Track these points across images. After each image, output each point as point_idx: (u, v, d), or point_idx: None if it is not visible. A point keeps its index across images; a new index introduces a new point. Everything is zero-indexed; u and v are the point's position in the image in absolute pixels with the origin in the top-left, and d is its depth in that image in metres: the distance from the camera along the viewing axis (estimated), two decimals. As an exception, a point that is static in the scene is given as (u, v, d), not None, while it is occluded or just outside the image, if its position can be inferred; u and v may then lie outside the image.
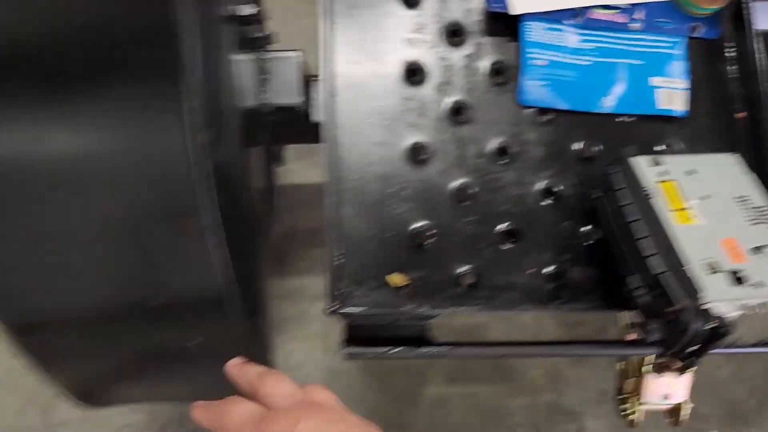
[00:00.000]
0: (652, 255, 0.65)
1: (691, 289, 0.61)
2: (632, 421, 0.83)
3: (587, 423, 1.14)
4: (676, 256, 0.63)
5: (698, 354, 0.63)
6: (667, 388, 0.80)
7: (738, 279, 0.62)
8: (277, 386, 0.53)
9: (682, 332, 0.60)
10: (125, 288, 0.51)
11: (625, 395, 0.83)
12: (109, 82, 0.42)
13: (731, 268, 0.62)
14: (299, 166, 1.23)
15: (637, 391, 0.81)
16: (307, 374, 1.12)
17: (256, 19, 0.71)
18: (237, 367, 0.58)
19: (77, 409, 0.69)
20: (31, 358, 0.53)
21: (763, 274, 0.62)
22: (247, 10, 0.69)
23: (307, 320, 1.17)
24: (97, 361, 0.59)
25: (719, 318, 0.59)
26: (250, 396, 0.53)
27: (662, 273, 0.63)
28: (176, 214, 0.48)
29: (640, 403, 0.80)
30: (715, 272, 0.62)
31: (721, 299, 0.60)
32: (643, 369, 0.79)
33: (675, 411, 0.82)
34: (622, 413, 0.83)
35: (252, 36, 0.76)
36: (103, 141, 0.44)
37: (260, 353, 0.77)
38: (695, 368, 0.71)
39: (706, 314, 0.59)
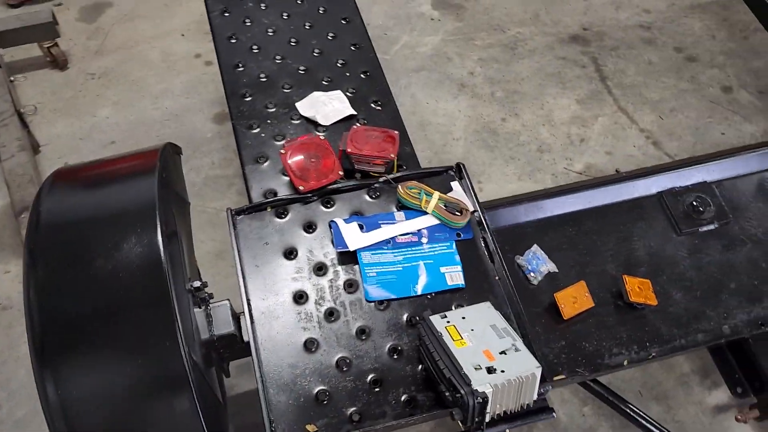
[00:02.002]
0: (445, 368, 1.13)
1: (466, 381, 1.09)
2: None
3: None
4: (457, 365, 1.12)
5: (483, 423, 1.09)
6: None
7: (491, 371, 1.11)
8: None
9: (466, 408, 1.07)
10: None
11: None
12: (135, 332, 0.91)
13: (487, 365, 1.12)
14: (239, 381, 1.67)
15: None
16: None
17: (202, 287, 1.23)
18: None
19: None
20: None
21: (505, 366, 1.12)
22: (196, 283, 1.21)
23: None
24: None
25: (482, 393, 1.07)
26: None
27: (451, 376, 1.11)
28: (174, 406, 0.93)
29: None
30: (478, 370, 1.11)
31: (481, 383, 1.08)
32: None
33: None
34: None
35: (201, 297, 1.27)
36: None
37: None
38: None
39: (474, 392, 1.07)
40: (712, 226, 1.51)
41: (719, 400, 1.65)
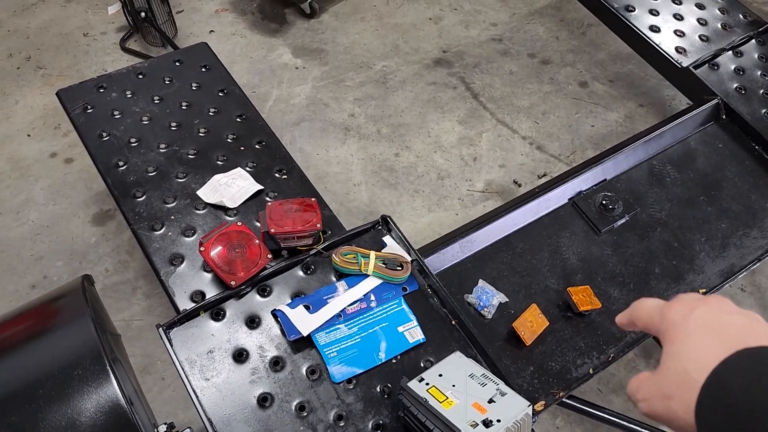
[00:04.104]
0: (441, 435, 1.10)
1: (467, 443, 1.06)
2: None
3: None
4: (452, 427, 1.09)
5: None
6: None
7: (487, 424, 1.09)
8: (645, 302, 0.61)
9: (476, 468, 1.05)
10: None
11: None
12: None
13: (481, 419, 1.10)
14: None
15: None
16: None
17: (169, 428, 1.11)
18: (618, 318, 0.66)
19: None
20: None
21: (499, 413, 1.11)
22: (162, 427, 1.08)
23: None
24: None
25: (487, 452, 1.05)
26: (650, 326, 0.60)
27: (450, 442, 1.08)
28: None
29: None
30: (475, 426, 1.09)
31: (483, 440, 1.06)
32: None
33: None
34: None
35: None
36: None
37: None
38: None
39: (479, 453, 1.05)
40: (623, 220, 1.61)
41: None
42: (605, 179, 1.68)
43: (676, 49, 1.96)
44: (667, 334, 0.56)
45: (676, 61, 1.91)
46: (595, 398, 1.56)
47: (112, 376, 0.90)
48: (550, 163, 2.24)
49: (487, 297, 1.42)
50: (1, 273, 1.98)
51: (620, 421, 1.53)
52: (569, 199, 1.64)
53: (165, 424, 1.07)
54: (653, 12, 2.07)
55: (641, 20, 2.04)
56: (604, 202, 1.62)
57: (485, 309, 1.42)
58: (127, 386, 0.94)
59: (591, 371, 1.37)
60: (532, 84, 2.54)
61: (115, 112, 1.75)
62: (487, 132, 2.36)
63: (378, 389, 1.28)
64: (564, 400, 1.46)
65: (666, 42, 1.97)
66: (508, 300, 1.44)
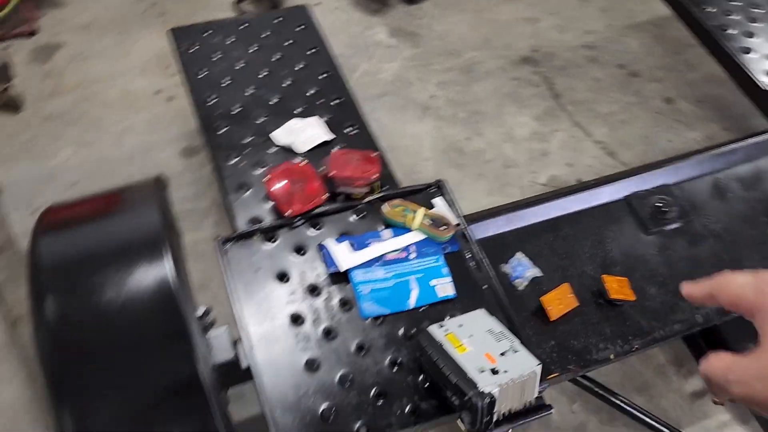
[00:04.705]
0: (450, 374, 1.17)
1: (472, 384, 1.13)
2: None
3: None
4: (461, 370, 1.16)
5: (491, 423, 1.13)
6: None
7: (495, 372, 1.15)
8: (734, 277, 0.58)
9: (475, 410, 1.11)
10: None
11: None
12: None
13: (490, 367, 1.16)
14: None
15: None
16: None
17: (207, 312, 1.24)
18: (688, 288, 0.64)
19: None
20: None
21: (508, 365, 1.16)
22: (201, 309, 1.22)
23: None
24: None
25: (489, 394, 1.11)
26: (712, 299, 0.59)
27: (457, 381, 1.15)
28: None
29: None
30: (482, 372, 1.15)
31: (487, 384, 1.12)
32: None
33: None
34: None
35: (208, 323, 1.27)
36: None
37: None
38: None
39: (482, 394, 1.11)
40: (676, 225, 1.61)
41: (695, 387, 1.75)
42: (665, 184, 1.69)
43: (766, 72, 1.93)
44: (766, 311, 0.51)
45: (760, 82, 1.88)
46: (618, 391, 1.57)
47: (168, 254, 1.02)
48: (618, 170, 2.24)
49: (522, 269, 1.47)
50: (93, 186, 2.20)
51: (639, 414, 1.52)
52: (624, 197, 1.66)
53: (204, 306, 1.20)
54: (748, 34, 2.03)
55: (735, 40, 2.01)
56: (659, 204, 1.63)
57: (518, 280, 1.47)
58: (179, 267, 1.07)
59: (612, 356, 1.39)
60: (616, 93, 2.54)
61: (215, 55, 1.93)
62: (561, 131, 2.38)
63: (401, 332, 1.36)
64: (583, 381, 1.49)
65: (754, 63, 1.94)
66: (542, 275, 1.48)
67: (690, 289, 0.64)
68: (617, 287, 1.44)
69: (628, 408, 1.50)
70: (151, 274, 0.99)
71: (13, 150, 2.29)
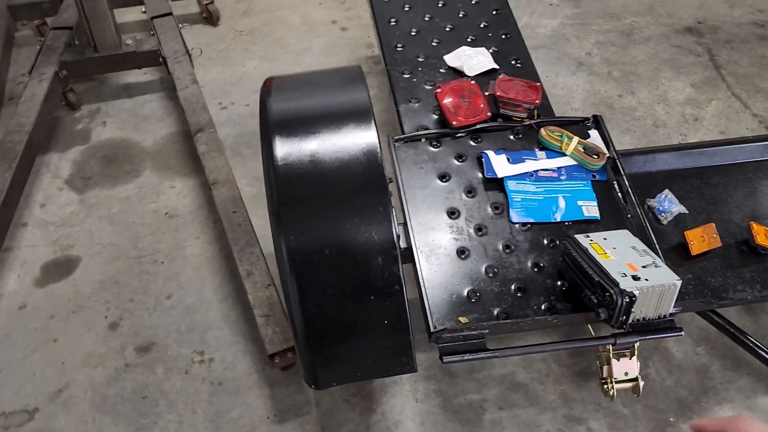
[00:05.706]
0: (594, 274, 1.28)
1: (614, 283, 1.23)
2: (612, 396, 1.37)
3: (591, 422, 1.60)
4: (605, 272, 1.27)
5: (626, 322, 1.23)
6: (625, 367, 1.36)
7: (636, 279, 1.25)
8: (752, 424, 0.59)
9: (614, 306, 1.22)
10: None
11: (603, 379, 1.38)
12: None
13: (632, 274, 1.26)
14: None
15: (610, 374, 1.36)
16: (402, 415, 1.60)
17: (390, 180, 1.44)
18: (701, 422, 0.65)
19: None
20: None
21: (648, 276, 1.26)
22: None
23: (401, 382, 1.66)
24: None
25: (630, 293, 1.21)
26: None
27: (600, 280, 1.26)
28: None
29: (614, 382, 1.36)
30: (624, 276, 1.25)
31: (628, 286, 1.22)
32: (612, 356, 1.36)
33: (635, 388, 1.37)
34: (605, 391, 1.38)
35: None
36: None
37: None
38: (636, 353, 1.29)
39: (623, 292, 1.21)
40: (837, 191, 1.60)
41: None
42: (831, 152, 1.67)
43: None
44: None
45: None
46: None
47: (374, 120, 1.20)
48: (775, 147, 2.19)
49: (669, 204, 1.54)
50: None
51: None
52: (782, 156, 1.66)
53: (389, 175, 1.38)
54: None
55: None
56: (821, 169, 1.62)
57: (663, 215, 1.54)
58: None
59: (749, 298, 1.43)
60: (785, 72, 2.46)
61: (397, -16, 2.10)
62: (718, 101, 2.35)
63: (546, 240, 1.48)
64: (715, 318, 1.53)
65: None
66: (687, 213, 1.54)
67: (699, 423, 0.64)
68: (764, 235, 1.48)
69: (759, 351, 1.52)
70: (360, 137, 1.18)
71: (211, 56, 2.61)
